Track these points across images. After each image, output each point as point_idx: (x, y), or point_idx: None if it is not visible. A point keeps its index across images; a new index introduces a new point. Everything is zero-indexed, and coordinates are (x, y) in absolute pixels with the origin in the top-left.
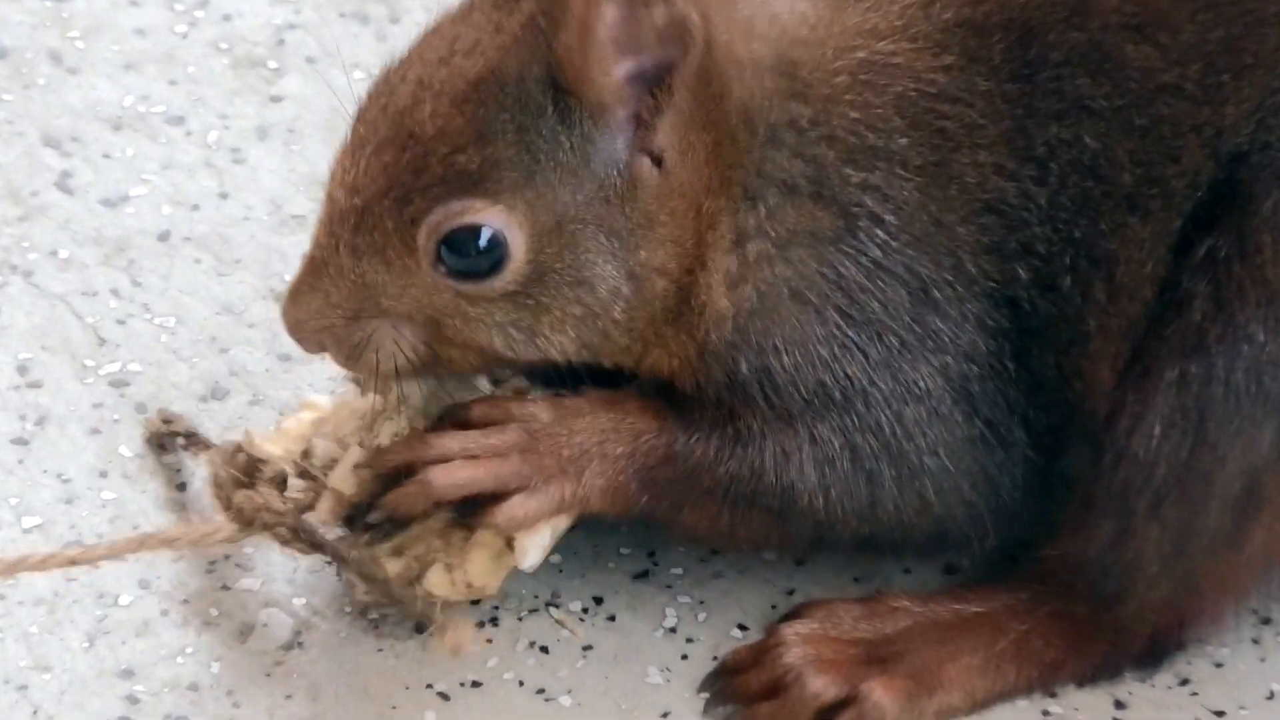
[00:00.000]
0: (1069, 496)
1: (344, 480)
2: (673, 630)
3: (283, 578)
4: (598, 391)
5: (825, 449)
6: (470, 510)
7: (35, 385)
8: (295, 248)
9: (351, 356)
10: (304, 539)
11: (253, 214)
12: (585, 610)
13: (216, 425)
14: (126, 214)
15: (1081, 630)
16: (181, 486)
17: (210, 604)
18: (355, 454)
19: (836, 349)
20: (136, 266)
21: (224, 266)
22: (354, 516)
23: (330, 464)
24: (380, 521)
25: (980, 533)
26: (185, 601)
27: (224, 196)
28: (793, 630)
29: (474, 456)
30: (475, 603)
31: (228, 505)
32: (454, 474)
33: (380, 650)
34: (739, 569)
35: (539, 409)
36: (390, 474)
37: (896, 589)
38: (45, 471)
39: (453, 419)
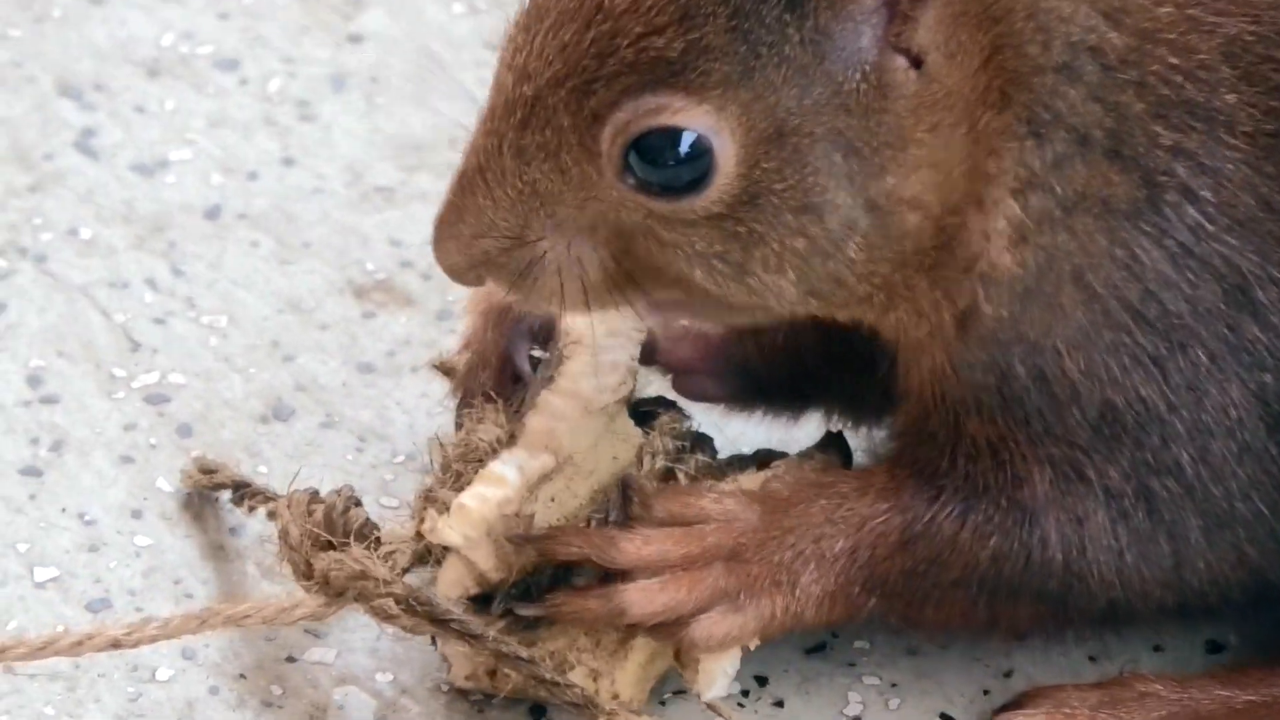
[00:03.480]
0: None
1: (480, 550)
2: None
3: (363, 648)
4: (798, 471)
5: (1119, 501)
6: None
7: (50, 400)
8: (379, 229)
9: (519, 283)
10: (421, 614)
11: (325, 185)
12: (745, 693)
13: (279, 453)
14: (165, 184)
15: None
16: (235, 530)
17: (272, 680)
18: (494, 517)
19: (1127, 360)
20: (178, 251)
21: (289, 252)
22: (488, 597)
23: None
24: (534, 616)
25: None
26: (241, 677)
27: (288, 163)
28: None
29: (670, 565)
30: None
31: (307, 571)
32: (654, 599)
33: None
34: (941, 643)
35: (739, 506)
36: (557, 562)
37: (1146, 670)
38: (63, 510)
39: (632, 500)
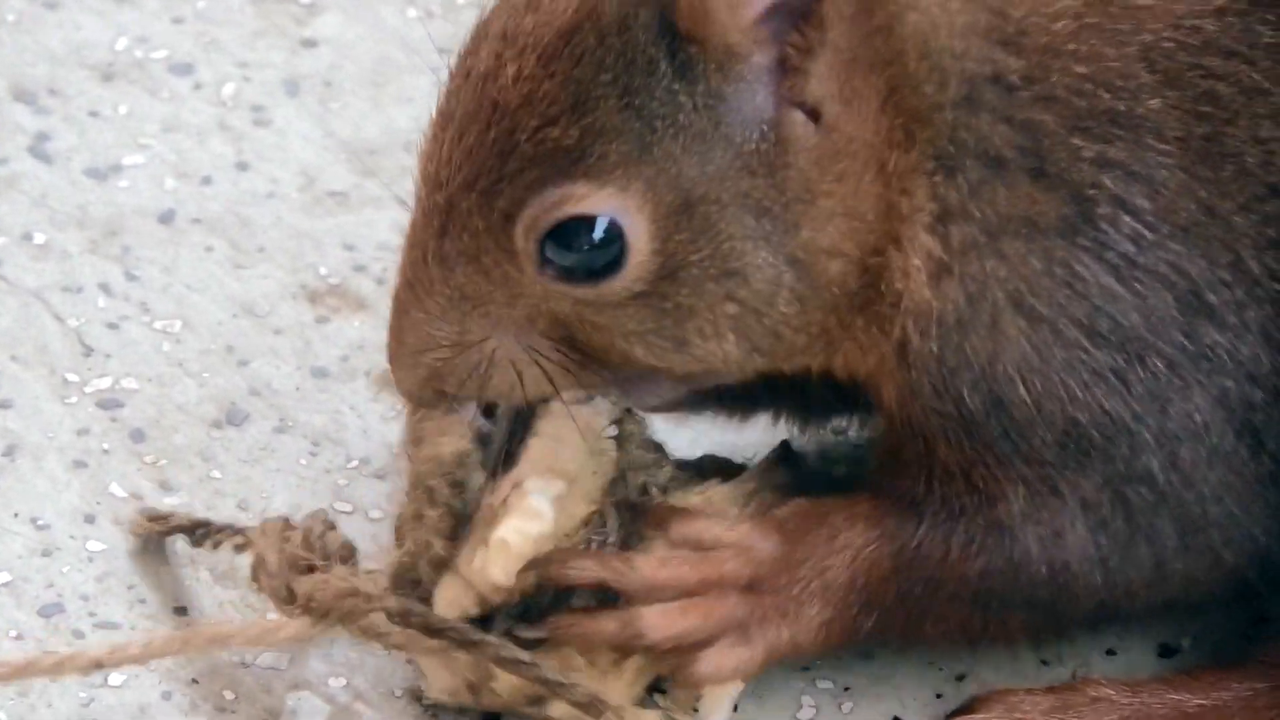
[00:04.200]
0: None
1: (479, 569)
2: None
3: (316, 653)
4: (793, 503)
5: (1096, 511)
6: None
7: (3, 405)
8: (332, 233)
9: (478, 385)
10: (416, 625)
11: (279, 190)
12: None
13: (232, 458)
14: (119, 188)
15: None
16: (202, 525)
17: (225, 685)
18: (533, 551)
19: (1087, 377)
20: (132, 255)
21: (242, 256)
22: (490, 617)
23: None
24: (541, 638)
25: (1273, 585)
26: (194, 682)
27: (243, 167)
28: None
29: (685, 590)
30: None
31: (289, 597)
32: (674, 623)
33: None
34: (895, 647)
35: (755, 535)
36: (564, 586)
37: (1097, 675)
38: (16, 515)
39: (640, 521)
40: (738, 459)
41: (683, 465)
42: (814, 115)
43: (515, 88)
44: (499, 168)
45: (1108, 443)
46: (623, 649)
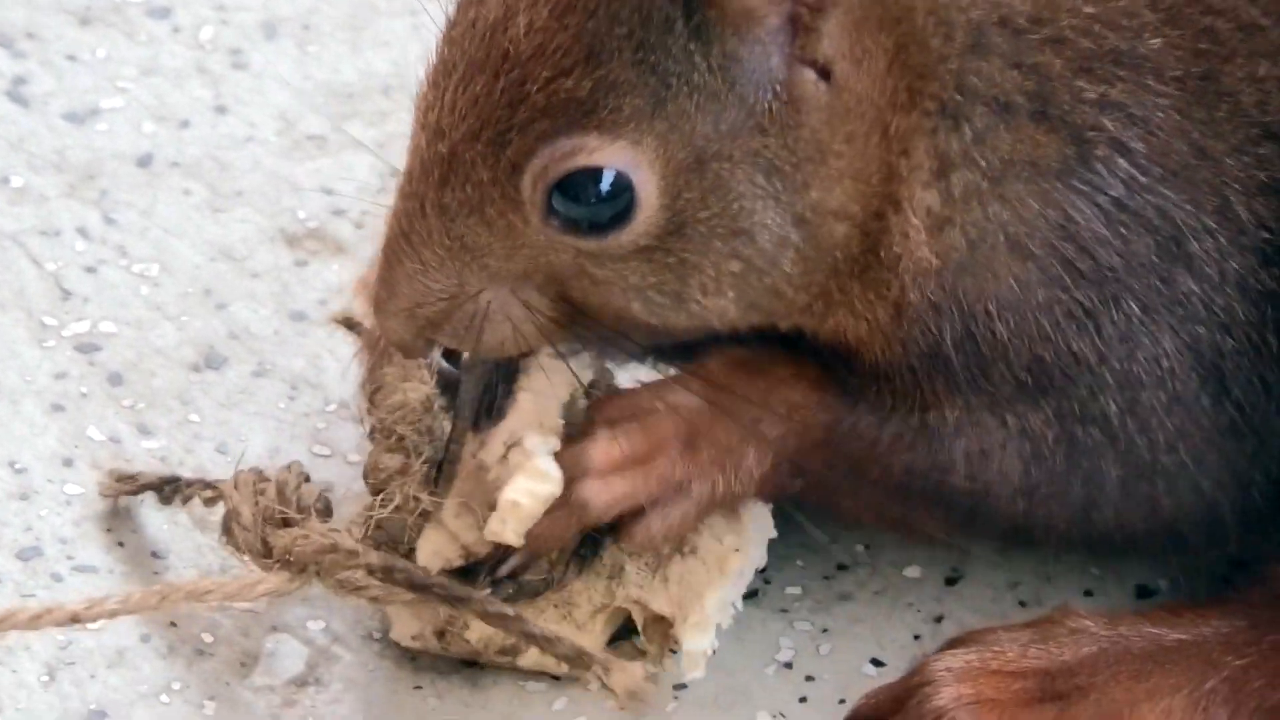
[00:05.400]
0: None
1: (460, 520)
2: (788, 666)
3: (295, 596)
4: (730, 350)
5: (1036, 443)
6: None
7: None
8: (311, 177)
9: (467, 337)
10: (399, 581)
11: (257, 133)
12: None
13: (211, 401)
14: (97, 132)
15: None
16: (171, 481)
17: (203, 628)
18: (541, 510)
19: (1061, 316)
20: (110, 199)
21: (221, 200)
22: (474, 567)
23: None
24: (519, 566)
25: (1218, 538)
26: (172, 625)
27: (221, 111)
28: (943, 665)
29: (636, 459)
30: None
31: (263, 550)
32: (611, 488)
33: (418, 688)
34: (873, 589)
35: (678, 390)
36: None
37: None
38: None
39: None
40: None
41: None
42: (825, 74)
43: (527, 39)
44: (508, 118)
45: (1067, 382)
46: (577, 526)
